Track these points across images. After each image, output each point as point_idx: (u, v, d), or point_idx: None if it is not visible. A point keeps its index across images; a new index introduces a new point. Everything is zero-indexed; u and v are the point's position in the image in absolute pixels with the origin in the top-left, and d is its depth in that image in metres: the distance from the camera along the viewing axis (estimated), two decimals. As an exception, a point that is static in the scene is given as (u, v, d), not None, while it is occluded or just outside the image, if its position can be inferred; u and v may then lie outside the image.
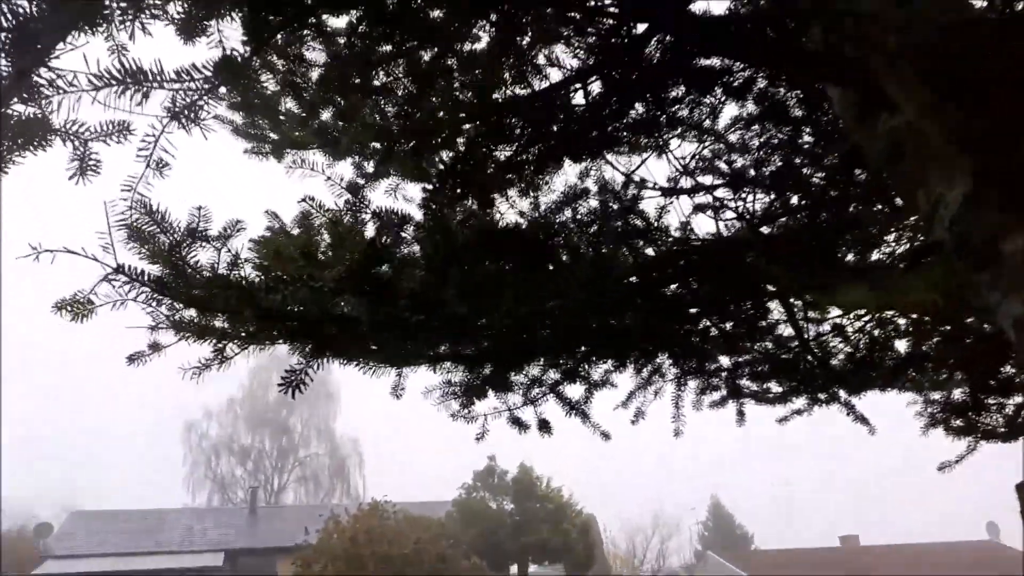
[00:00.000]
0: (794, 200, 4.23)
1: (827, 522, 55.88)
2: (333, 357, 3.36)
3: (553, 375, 4.32)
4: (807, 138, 3.91)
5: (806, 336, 4.65)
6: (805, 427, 5.75)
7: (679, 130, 3.70)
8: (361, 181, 3.43)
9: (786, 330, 4.68)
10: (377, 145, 3.36)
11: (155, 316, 2.76)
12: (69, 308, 2.49)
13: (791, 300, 4.39)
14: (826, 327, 4.79)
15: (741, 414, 5.13)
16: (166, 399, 61.24)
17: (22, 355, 62.93)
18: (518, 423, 4.43)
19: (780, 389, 5.00)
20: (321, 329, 3.17)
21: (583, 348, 4.19)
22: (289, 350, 3.16)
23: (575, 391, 4.36)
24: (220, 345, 2.96)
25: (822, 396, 5.00)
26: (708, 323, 4.44)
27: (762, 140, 3.90)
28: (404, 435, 62.17)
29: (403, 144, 3.27)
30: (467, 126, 3.41)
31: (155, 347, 2.94)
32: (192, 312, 2.82)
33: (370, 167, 3.46)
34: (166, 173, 2.28)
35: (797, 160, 4.02)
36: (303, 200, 3.07)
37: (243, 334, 2.96)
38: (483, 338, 3.81)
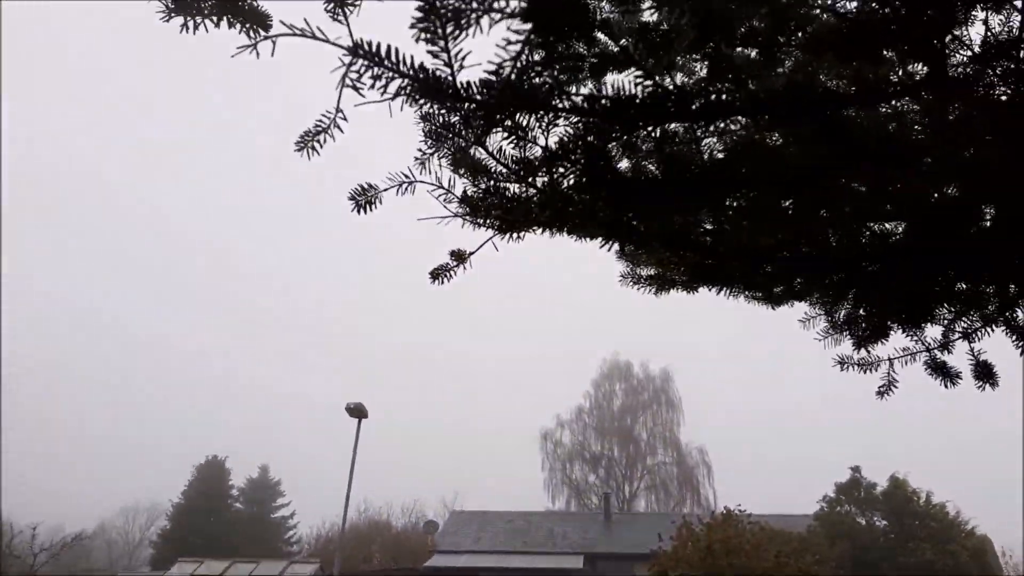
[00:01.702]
0: None
1: None
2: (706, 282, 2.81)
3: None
4: None
5: None
6: None
7: None
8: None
9: None
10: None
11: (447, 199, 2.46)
12: (357, 199, 2.30)
13: None
14: None
15: None
16: (524, 408, 66.71)
17: (427, 368, 73.20)
18: (942, 370, 3.40)
19: None
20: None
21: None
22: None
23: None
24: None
25: None
26: None
27: None
28: (750, 443, 59.65)
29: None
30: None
31: (459, 256, 2.67)
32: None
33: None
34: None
35: None
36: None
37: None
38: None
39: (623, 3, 2.19)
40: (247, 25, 1.73)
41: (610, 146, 2.15)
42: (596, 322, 67.41)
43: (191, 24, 1.72)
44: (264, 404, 75.97)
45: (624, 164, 2.52)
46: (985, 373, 3.38)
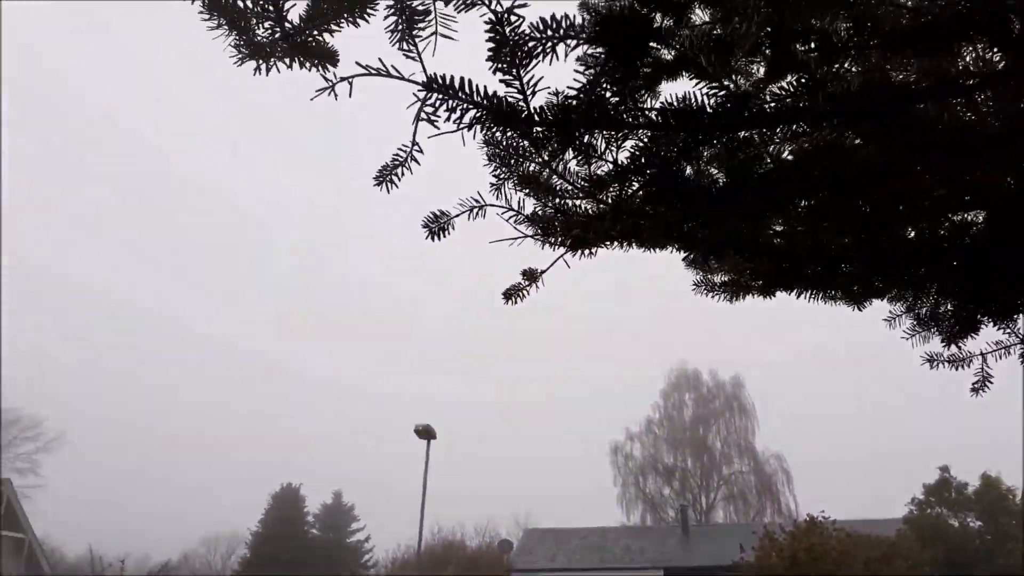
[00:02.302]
0: None
1: None
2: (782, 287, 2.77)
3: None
4: None
5: None
6: None
7: None
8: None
9: None
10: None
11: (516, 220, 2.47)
12: (430, 226, 2.34)
13: None
14: None
15: None
16: (593, 423, 66.33)
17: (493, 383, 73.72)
18: (1041, 364, 3.24)
19: None
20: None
21: None
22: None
23: None
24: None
25: None
26: None
27: None
28: (830, 447, 57.84)
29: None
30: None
31: (531, 275, 2.67)
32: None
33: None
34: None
35: None
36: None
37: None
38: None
39: (676, 13, 2.19)
40: (317, 64, 1.79)
41: (681, 157, 2.14)
42: (664, 331, 66.58)
43: (263, 67, 1.79)
44: (336, 431, 77.33)
45: (688, 171, 2.50)
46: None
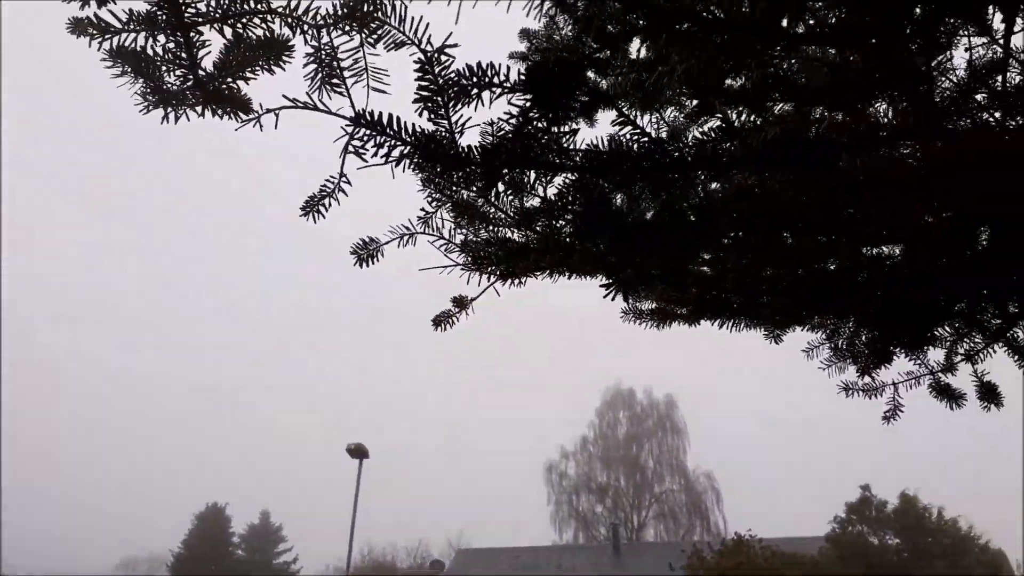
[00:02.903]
0: None
1: None
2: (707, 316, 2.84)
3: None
4: None
5: None
6: None
7: None
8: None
9: None
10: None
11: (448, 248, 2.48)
12: (359, 252, 2.33)
13: None
14: None
15: None
16: (527, 442, 66.35)
17: (425, 406, 72.93)
18: (947, 392, 3.41)
19: None
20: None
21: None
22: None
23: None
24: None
25: None
26: None
27: None
28: (761, 466, 59.28)
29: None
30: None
31: (460, 303, 2.69)
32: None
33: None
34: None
35: None
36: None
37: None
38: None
39: (614, 50, 2.24)
40: (231, 113, 1.75)
41: (608, 194, 2.19)
42: (598, 351, 67.31)
43: (172, 116, 1.73)
44: (263, 449, 75.29)
45: (617, 205, 2.56)
46: (989, 393, 3.39)
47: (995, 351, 3.31)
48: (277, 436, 75.26)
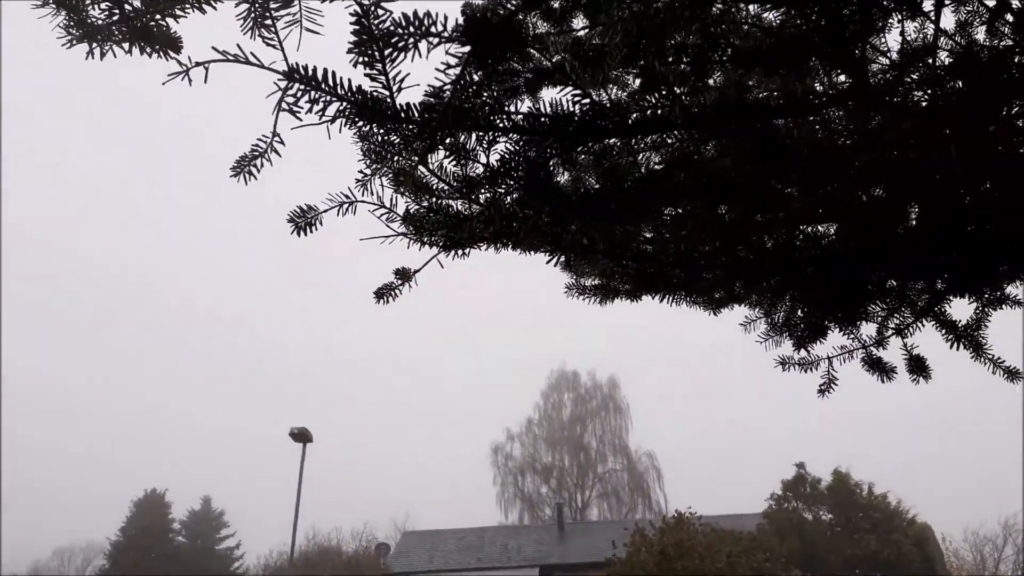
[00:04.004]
0: None
1: None
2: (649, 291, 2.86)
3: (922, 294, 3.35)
4: None
5: None
6: None
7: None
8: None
9: None
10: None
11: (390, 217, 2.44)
12: (296, 221, 2.28)
13: None
14: None
15: None
16: (473, 424, 66.56)
17: (372, 388, 72.30)
18: (877, 366, 3.52)
19: None
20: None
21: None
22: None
23: (961, 311, 3.32)
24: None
25: None
26: None
27: None
28: (698, 446, 60.67)
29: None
30: None
31: (403, 275, 2.66)
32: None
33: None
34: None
35: None
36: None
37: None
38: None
39: (556, 21, 2.22)
40: (159, 51, 1.67)
41: (551, 161, 2.17)
42: (544, 334, 67.70)
43: (97, 52, 1.65)
44: (203, 434, 73.74)
45: (564, 177, 2.55)
46: (918, 367, 3.52)
47: (923, 325, 3.44)
48: (219, 421, 73.73)
